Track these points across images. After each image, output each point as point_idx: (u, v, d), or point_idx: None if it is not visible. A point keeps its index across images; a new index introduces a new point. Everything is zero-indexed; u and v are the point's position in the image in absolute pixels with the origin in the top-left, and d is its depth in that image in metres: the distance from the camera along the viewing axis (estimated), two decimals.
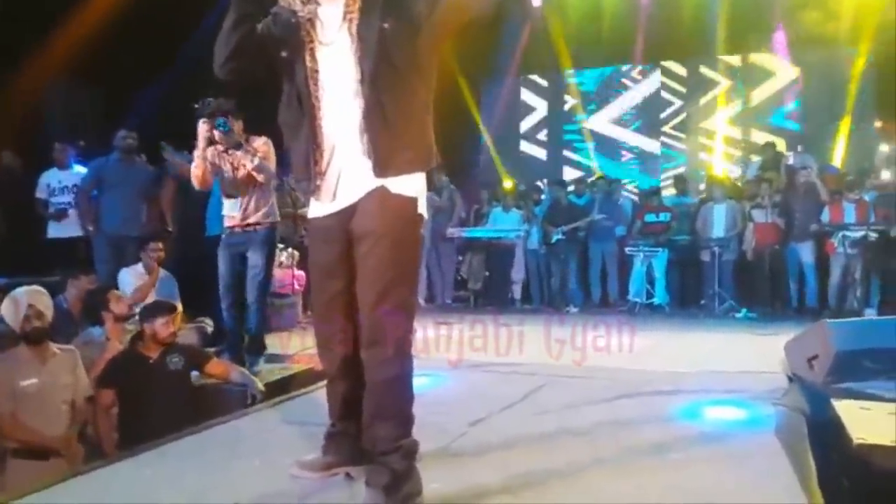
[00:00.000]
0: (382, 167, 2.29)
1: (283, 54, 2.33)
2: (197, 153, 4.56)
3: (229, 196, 4.84)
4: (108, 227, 6.05)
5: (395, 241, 2.30)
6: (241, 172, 4.73)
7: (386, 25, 2.26)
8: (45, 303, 3.95)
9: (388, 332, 2.28)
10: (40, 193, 6.66)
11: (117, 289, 5.07)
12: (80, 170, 6.69)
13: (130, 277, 5.46)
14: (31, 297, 3.88)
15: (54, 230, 6.60)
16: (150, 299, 4.97)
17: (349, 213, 2.34)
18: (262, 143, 4.82)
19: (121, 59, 7.59)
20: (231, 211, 4.83)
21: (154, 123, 6.49)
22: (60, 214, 6.56)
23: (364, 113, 2.28)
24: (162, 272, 5.58)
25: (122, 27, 7.60)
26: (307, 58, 2.32)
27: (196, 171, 4.57)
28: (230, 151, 4.74)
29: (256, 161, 4.70)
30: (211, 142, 4.60)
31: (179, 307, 4.82)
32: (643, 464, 2.74)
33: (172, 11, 7.61)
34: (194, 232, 5.70)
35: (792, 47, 10.14)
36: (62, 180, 6.66)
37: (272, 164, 4.89)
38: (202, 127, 4.53)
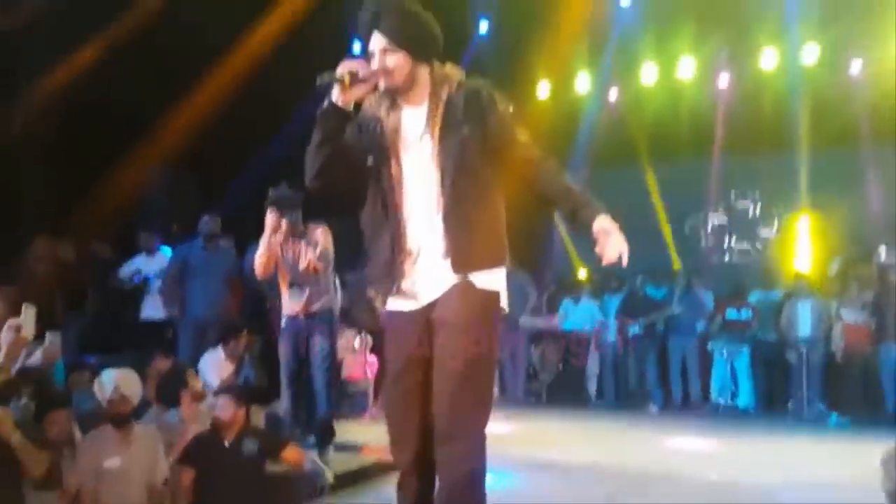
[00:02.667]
0: (460, 263, 2.34)
1: (370, 160, 2.42)
2: (263, 242, 4.69)
3: (291, 285, 4.93)
4: (192, 312, 6.27)
5: (476, 335, 2.31)
6: (304, 262, 4.84)
7: (466, 131, 2.35)
8: (132, 387, 4.05)
9: (463, 427, 2.26)
10: (123, 274, 7.02)
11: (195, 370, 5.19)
12: (168, 253, 7.02)
13: (211, 363, 5.59)
14: (117, 381, 4.00)
15: (146, 312, 6.90)
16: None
17: (432, 306, 2.38)
18: (321, 232, 4.95)
19: (213, 151, 8.15)
20: (294, 299, 4.92)
21: (242, 211, 6.81)
22: (139, 287, 6.86)
23: (444, 214, 2.34)
24: (247, 358, 5.72)
25: (215, 122, 8.23)
26: (392, 163, 2.40)
27: (261, 259, 4.69)
28: (292, 241, 4.87)
29: (319, 250, 4.81)
30: (275, 231, 4.73)
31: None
32: None
33: (261, 108, 8.25)
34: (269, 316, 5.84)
35: (876, 139, 9.87)
36: (149, 264, 7.01)
37: (331, 252, 5.00)
38: (270, 216, 4.68)
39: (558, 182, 2.45)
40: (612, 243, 2.31)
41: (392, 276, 2.40)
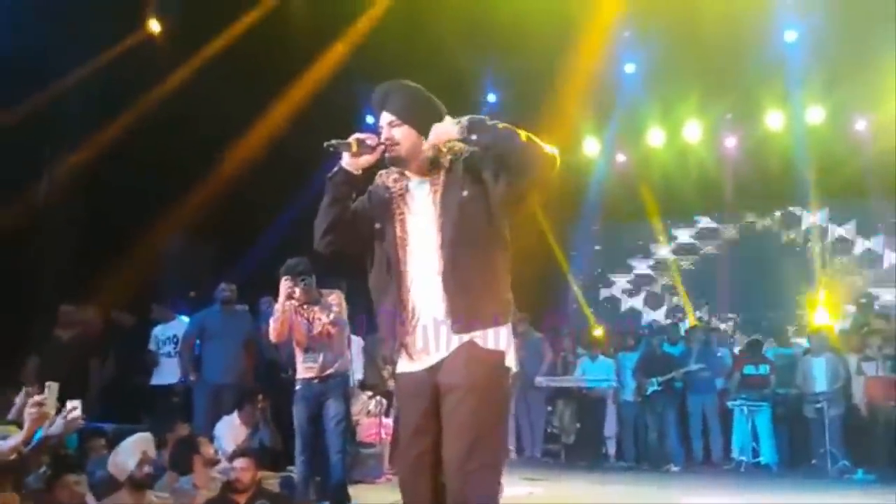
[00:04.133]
0: (460, 324, 2.38)
1: (377, 226, 2.53)
2: (278, 307, 4.86)
3: (305, 349, 5.02)
4: (209, 375, 6.33)
5: (482, 396, 2.33)
6: (318, 326, 4.94)
7: (465, 193, 2.44)
8: (153, 449, 4.13)
9: (473, 492, 2.26)
10: (152, 345, 7.15)
11: (209, 437, 5.22)
12: (184, 319, 7.14)
13: (226, 428, 5.62)
14: (146, 445, 4.07)
15: (155, 378, 6.97)
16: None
17: (437, 367, 2.41)
18: (335, 297, 5.09)
19: (230, 221, 8.45)
20: (308, 363, 5.00)
21: (256, 278, 6.97)
22: (154, 362, 6.97)
23: (443, 275, 2.41)
24: (262, 422, 5.75)
25: (233, 194, 8.52)
26: (397, 227, 2.50)
27: (275, 324, 4.85)
28: (306, 306, 4.98)
29: (332, 315, 4.92)
30: (290, 297, 4.85)
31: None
32: None
33: (276, 180, 8.62)
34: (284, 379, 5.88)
35: (884, 193, 9.91)
36: (166, 332, 7.14)
37: (344, 316, 5.11)
38: (285, 283, 4.82)
39: None
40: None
41: (395, 337, 2.46)
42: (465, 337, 2.38)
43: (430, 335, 2.43)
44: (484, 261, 2.44)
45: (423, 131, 2.50)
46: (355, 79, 8.31)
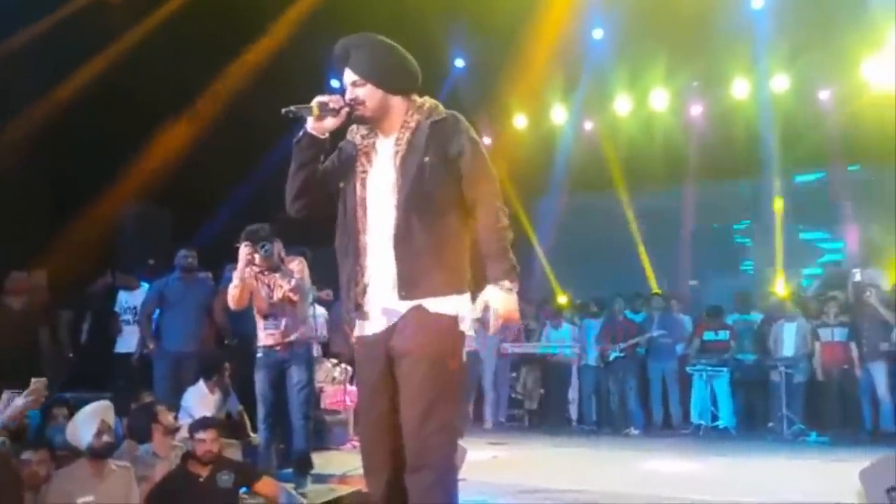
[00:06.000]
0: (408, 289, 2.34)
1: (341, 185, 2.47)
2: (236, 274, 4.76)
3: (266, 316, 4.95)
4: (169, 344, 6.23)
5: (435, 361, 2.31)
6: (279, 293, 4.87)
7: (427, 159, 2.38)
8: (112, 417, 4.04)
9: (431, 455, 2.26)
10: (117, 308, 7.00)
11: (168, 406, 5.13)
12: (147, 287, 6.99)
13: (193, 397, 5.54)
14: (103, 413, 3.98)
15: (118, 346, 6.85)
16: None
17: (390, 332, 2.38)
18: (296, 264, 5.01)
19: (190, 186, 8.22)
20: (269, 330, 4.94)
21: (218, 244, 6.82)
22: (117, 329, 6.83)
23: (395, 240, 2.36)
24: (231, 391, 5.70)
25: (192, 157, 8.34)
26: (358, 186, 2.45)
27: (234, 291, 4.75)
28: (267, 273, 4.89)
29: (293, 282, 4.84)
30: (249, 263, 4.77)
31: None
32: None
33: (238, 143, 8.42)
34: (246, 345, 5.80)
35: (848, 162, 10.06)
36: (129, 300, 6.98)
37: (307, 282, 5.04)
38: (244, 250, 4.73)
39: (483, 232, 2.41)
40: (493, 318, 2.32)
41: (351, 299, 2.43)
42: (415, 302, 2.34)
43: (383, 300, 2.39)
44: (438, 227, 2.38)
45: (389, 88, 2.43)
46: (319, 40, 8.09)
